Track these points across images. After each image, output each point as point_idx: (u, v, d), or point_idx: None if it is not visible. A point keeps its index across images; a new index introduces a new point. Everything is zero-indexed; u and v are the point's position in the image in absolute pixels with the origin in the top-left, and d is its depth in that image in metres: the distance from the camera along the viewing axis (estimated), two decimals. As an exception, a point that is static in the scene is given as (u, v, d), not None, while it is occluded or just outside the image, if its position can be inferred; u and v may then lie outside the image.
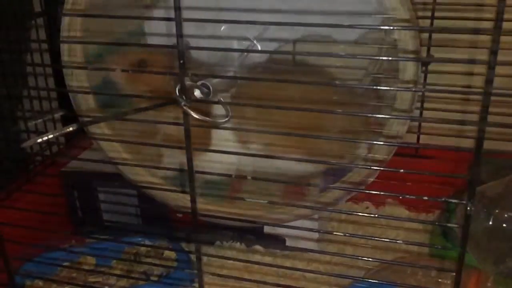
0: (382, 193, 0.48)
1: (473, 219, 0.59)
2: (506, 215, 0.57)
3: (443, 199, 0.44)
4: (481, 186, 0.62)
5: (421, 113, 0.94)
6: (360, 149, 0.70)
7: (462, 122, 0.42)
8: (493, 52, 0.38)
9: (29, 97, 0.92)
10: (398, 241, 0.48)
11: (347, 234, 0.50)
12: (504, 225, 0.57)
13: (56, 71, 0.87)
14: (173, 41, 0.44)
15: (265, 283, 0.61)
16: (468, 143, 0.41)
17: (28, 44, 0.96)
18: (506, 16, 0.38)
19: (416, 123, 0.94)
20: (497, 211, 0.58)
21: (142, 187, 0.75)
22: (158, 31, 0.76)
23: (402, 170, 0.44)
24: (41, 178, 0.90)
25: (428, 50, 0.90)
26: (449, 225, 0.46)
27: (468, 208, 0.43)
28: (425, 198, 0.45)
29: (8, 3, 0.91)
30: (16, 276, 0.68)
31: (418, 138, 0.95)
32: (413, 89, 0.63)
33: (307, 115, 0.71)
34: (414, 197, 0.45)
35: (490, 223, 0.58)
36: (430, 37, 0.89)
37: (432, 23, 0.87)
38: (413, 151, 0.96)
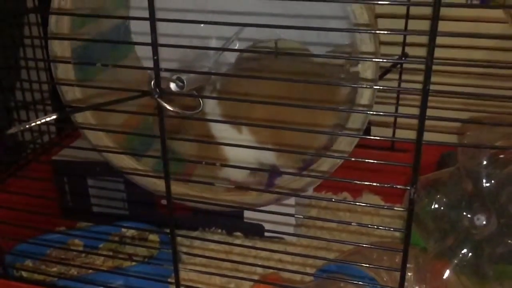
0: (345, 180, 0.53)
1: (420, 203, 0.64)
2: (444, 200, 0.63)
3: (388, 185, 0.48)
4: (429, 174, 0.67)
5: (396, 109, 0.98)
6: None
7: (405, 116, 0.47)
8: (429, 53, 0.43)
9: (22, 89, 0.96)
10: (353, 224, 0.52)
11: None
12: (442, 208, 0.62)
13: (49, 65, 0.91)
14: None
15: (244, 263, 0.66)
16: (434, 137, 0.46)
17: (21, 40, 1.01)
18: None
19: (392, 119, 0.99)
20: (438, 196, 0.63)
21: (124, 173, 0.80)
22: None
23: (353, 159, 0.49)
24: (33, 165, 0.95)
25: (403, 50, 0.95)
26: (395, 208, 0.50)
27: (412, 193, 0.48)
28: (376, 184, 0.50)
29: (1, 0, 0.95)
30: (7, 256, 0.72)
31: (394, 133, 1.00)
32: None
33: (284, 111, 0.75)
34: (367, 183, 0.49)
35: (433, 207, 0.63)
36: (404, 39, 0.94)
37: (406, 26, 0.92)
38: (389, 144, 1.02)
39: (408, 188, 0.48)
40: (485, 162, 0.60)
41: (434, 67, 0.43)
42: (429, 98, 0.44)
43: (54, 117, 0.45)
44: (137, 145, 0.80)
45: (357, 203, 0.60)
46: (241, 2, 0.75)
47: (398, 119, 0.99)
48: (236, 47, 0.78)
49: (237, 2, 0.75)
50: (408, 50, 0.94)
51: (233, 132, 0.80)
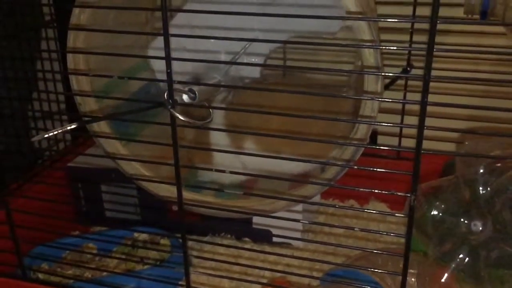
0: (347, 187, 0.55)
1: (420, 210, 0.67)
2: (442, 206, 0.65)
3: (389, 193, 0.51)
4: (430, 182, 0.69)
5: (402, 120, 1.00)
6: (335, 151, 0.77)
7: (405, 126, 0.49)
8: (427, 67, 0.45)
9: (39, 99, 1.00)
10: (355, 229, 0.55)
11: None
12: (441, 214, 0.65)
13: (64, 77, 0.95)
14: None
15: (253, 267, 0.67)
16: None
17: (38, 52, 1.04)
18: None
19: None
20: (437, 203, 0.65)
21: (134, 179, 0.82)
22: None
23: (355, 167, 0.51)
24: (49, 172, 0.98)
25: (408, 60, 0.97)
26: (396, 214, 0.53)
27: (412, 200, 0.50)
28: (376, 191, 0.52)
29: (20, 15, 0.98)
30: (25, 258, 0.75)
31: (400, 142, 1.02)
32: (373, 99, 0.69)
33: (295, 122, 0.77)
34: (368, 190, 0.51)
35: (432, 213, 0.65)
36: (409, 52, 0.95)
37: (411, 39, 0.94)
38: (395, 153, 1.03)
39: (409, 195, 0.50)
40: (482, 171, 0.62)
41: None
42: (431, 107, 0.46)
43: (74, 126, 0.48)
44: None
45: (360, 210, 0.62)
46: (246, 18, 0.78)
47: (405, 128, 1.01)
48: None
49: (243, 18, 0.77)
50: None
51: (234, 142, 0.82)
